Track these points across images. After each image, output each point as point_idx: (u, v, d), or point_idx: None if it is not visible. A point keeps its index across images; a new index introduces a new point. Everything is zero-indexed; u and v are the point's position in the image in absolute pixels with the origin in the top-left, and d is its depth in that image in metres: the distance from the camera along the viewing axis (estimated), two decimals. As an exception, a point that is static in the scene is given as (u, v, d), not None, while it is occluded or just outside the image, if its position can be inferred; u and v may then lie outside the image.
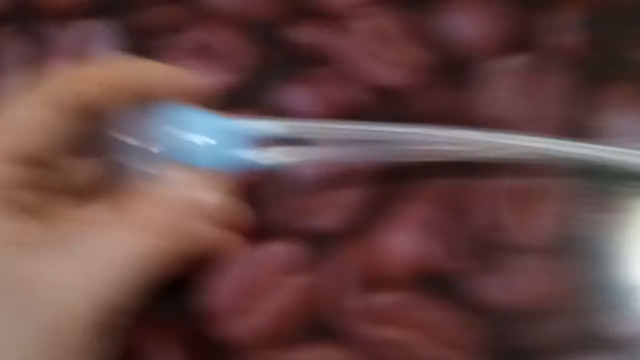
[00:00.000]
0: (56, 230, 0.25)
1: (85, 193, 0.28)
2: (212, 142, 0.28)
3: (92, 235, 0.25)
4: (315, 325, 0.31)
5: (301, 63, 0.37)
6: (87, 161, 0.29)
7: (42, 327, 0.22)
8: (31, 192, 0.26)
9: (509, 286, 0.31)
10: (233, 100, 0.36)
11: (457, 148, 0.31)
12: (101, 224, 0.25)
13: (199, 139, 0.28)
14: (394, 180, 0.34)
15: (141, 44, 0.38)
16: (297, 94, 0.36)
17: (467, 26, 0.37)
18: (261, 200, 0.33)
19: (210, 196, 0.27)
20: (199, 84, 0.30)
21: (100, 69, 0.28)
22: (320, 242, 0.33)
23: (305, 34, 0.38)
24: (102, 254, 0.24)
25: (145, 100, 0.28)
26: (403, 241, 0.33)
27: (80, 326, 0.23)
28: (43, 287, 0.23)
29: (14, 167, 0.25)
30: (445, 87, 0.36)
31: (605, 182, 0.32)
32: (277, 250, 0.33)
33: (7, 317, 0.22)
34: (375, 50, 0.37)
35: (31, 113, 0.26)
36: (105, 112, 0.27)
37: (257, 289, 0.32)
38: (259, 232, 0.33)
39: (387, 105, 0.36)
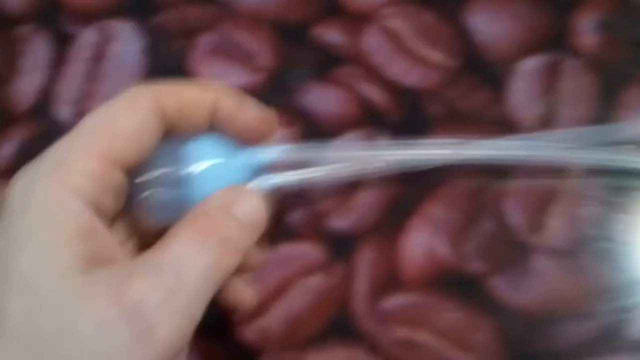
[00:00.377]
0: (136, 245, 0.26)
1: None
2: (219, 169, 0.28)
3: (176, 250, 0.23)
4: (332, 326, 0.32)
5: (324, 63, 0.38)
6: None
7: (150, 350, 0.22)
8: (116, 200, 0.25)
9: (525, 288, 0.32)
10: (258, 100, 0.37)
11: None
12: (181, 239, 0.24)
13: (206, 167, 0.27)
14: (410, 183, 0.34)
15: (165, 43, 0.38)
16: (320, 94, 0.37)
17: (488, 28, 0.38)
18: (279, 202, 0.33)
19: (258, 215, 0.27)
20: (263, 120, 0.29)
21: (186, 87, 0.27)
22: (337, 244, 0.34)
23: (329, 35, 0.38)
24: (187, 270, 0.23)
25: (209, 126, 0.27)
26: (419, 243, 0.33)
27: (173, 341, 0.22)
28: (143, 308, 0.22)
29: (111, 172, 0.24)
30: (465, 87, 0.36)
31: (620, 182, 0.33)
32: (295, 252, 0.34)
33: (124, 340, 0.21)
34: (397, 50, 0.38)
35: (132, 121, 0.25)
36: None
37: (274, 290, 0.33)
38: (277, 233, 0.34)
39: (407, 105, 0.36)
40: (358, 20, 0.39)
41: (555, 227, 0.32)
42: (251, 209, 0.26)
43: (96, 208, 0.23)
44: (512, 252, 0.32)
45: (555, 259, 0.32)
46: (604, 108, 0.35)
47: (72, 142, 0.24)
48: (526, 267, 0.32)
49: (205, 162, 0.27)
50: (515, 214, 0.33)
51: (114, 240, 0.24)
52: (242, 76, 0.38)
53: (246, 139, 0.28)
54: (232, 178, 0.27)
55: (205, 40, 0.39)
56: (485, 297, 0.31)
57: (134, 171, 0.25)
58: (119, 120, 0.25)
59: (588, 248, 0.32)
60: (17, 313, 0.21)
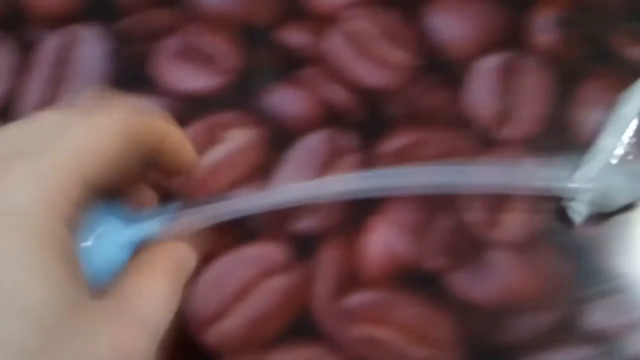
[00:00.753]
0: None
1: None
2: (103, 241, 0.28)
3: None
4: (294, 325, 0.33)
5: (288, 65, 0.38)
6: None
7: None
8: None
9: (482, 282, 0.32)
10: (221, 103, 0.37)
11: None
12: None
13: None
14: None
15: (130, 47, 0.39)
16: (284, 96, 0.37)
17: (447, 28, 0.38)
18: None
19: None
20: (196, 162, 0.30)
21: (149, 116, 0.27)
22: (299, 244, 0.34)
23: (292, 36, 0.39)
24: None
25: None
26: (380, 241, 0.34)
27: None
28: None
29: (83, 191, 0.23)
30: (427, 86, 0.37)
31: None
32: (257, 253, 0.34)
33: None
34: (359, 51, 0.38)
35: (106, 141, 0.24)
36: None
37: (236, 292, 0.33)
38: (239, 235, 0.34)
39: (369, 105, 0.36)
40: (321, 22, 0.39)
41: (511, 222, 0.33)
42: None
43: (71, 228, 0.23)
44: (470, 248, 0.33)
45: (511, 253, 0.33)
46: (561, 104, 0.36)
47: (49, 162, 0.23)
48: (483, 262, 0.33)
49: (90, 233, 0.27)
50: (472, 211, 0.33)
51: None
52: (205, 79, 0.38)
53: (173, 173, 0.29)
54: (115, 250, 0.27)
55: (168, 44, 0.39)
56: (444, 293, 0.32)
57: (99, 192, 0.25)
58: (88, 138, 0.24)
59: (543, 242, 0.32)
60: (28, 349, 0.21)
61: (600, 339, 0.31)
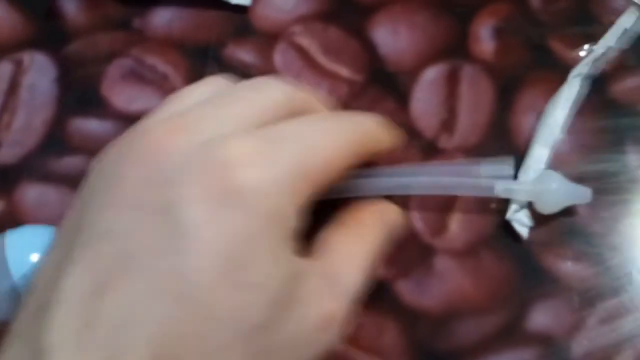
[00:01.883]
0: None
1: None
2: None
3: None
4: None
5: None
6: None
7: None
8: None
9: (428, 289, 0.33)
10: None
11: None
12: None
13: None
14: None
15: (80, 71, 0.39)
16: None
17: (390, 40, 0.39)
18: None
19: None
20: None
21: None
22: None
23: (240, 54, 0.40)
24: None
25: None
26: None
27: None
28: None
29: (308, 195, 0.24)
30: (373, 99, 0.38)
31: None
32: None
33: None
34: (306, 66, 0.39)
35: (342, 152, 0.25)
36: None
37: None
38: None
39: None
40: (268, 39, 0.40)
41: (456, 229, 0.34)
42: None
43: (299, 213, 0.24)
44: (416, 255, 0.33)
45: (457, 259, 0.33)
46: (502, 111, 0.36)
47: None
48: (429, 269, 0.33)
49: (28, 255, 0.27)
50: (418, 218, 0.34)
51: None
52: (155, 99, 0.38)
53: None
54: None
55: (117, 66, 0.39)
56: (391, 301, 0.33)
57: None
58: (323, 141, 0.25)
59: (487, 246, 0.33)
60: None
61: (544, 340, 0.32)
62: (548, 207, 0.32)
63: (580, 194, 0.32)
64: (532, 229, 0.33)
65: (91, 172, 0.24)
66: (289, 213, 0.23)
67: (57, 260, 0.22)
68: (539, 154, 0.34)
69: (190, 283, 0.20)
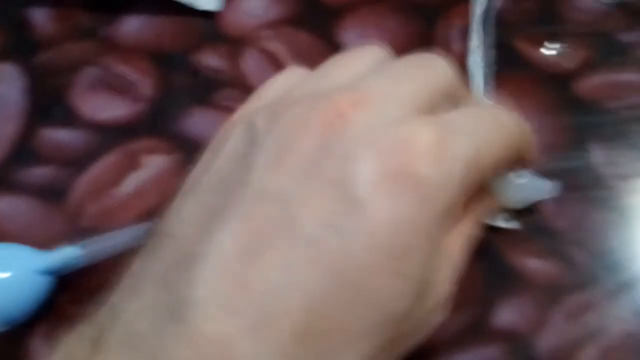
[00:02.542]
0: None
1: None
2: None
3: None
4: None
5: (205, 88, 0.39)
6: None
7: None
8: None
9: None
10: (140, 130, 0.38)
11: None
12: None
13: None
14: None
15: (48, 81, 0.40)
16: (201, 118, 0.38)
17: (357, 43, 0.39)
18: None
19: None
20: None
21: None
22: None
23: (209, 60, 0.40)
24: None
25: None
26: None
27: None
28: None
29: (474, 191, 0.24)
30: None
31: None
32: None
33: None
34: (275, 71, 0.39)
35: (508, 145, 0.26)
36: None
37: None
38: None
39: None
40: (236, 44, 0.40)
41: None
42: None
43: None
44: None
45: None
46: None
47: None
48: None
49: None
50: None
51: None
52: (124, 107, 0.39)
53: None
54: (27, 287, 0.29)
55: (86, 75, 0.40)
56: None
57: None
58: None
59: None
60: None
61: (510, 337, 0.32)
62: (515, 201, 0.32)
63: (547, 188, 0.32)
64: (497, 227, 0.33)
65: (248, 125, 0.24)
66: (457, 207, 0.23)
67: (205, 208, 0.22)
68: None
69: (354, 262, 0.20)
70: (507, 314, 0.32)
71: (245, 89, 0.38)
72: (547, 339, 0.32)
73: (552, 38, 0.38)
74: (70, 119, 0.39)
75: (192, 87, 0.39)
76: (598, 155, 0.35)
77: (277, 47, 0.40)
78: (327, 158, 0.21)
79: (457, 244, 0.26)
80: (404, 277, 0.21)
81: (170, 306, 0.19)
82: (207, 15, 0.40)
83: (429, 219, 0.21)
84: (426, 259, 0.22)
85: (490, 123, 0.25)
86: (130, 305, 0.20)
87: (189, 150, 0.37)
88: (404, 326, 0.22)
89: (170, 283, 0.20)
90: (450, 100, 0.25)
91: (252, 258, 0.20)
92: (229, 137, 0.24)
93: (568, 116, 0.36)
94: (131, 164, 0.37)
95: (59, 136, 0.38)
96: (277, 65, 0.39)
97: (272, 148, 0.22)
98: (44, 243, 0.32)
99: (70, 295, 0.33)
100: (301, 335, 0.19)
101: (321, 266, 0.20)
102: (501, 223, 0.33)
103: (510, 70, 0.37)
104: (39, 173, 0.37)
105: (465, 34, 0.39)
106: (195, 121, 0.38)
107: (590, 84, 0.37)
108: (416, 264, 0.21)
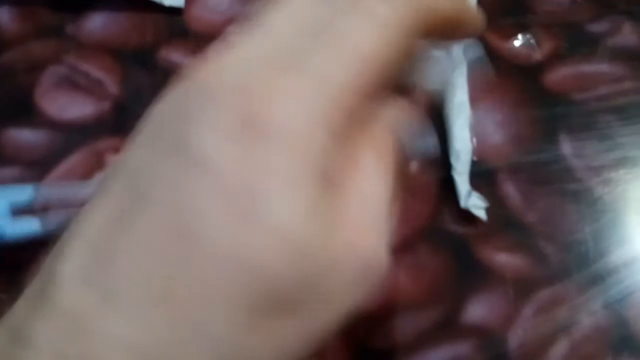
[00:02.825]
0: None
1: None
2: None
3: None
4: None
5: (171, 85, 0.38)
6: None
7: None
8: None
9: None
10: (107, 128, 0.38)
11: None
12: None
13: None
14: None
15: (13, 80, 0.39)
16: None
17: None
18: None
19: None
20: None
21: None
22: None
23: (175, 57, 0.39)
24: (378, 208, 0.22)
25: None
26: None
27: None
28: None
29: (357, 103, 0.20)
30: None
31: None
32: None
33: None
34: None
35: (386, 42, 0.20)
36: None
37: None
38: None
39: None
40: (204, 40, 0.39)
41: (392, 224, 0.34)
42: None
43: (340, 145, 0.20)
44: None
45: (393, 255, 0.33)
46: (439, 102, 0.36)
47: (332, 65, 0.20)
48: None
49: None
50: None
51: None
52: (89, 105, 0.38)
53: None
54: None
55: (50, 73, 0.39)
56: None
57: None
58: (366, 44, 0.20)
59: (422, 242, 0.33)
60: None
61: (481, 332, 0.32)
62: (433, 80, 0.26)
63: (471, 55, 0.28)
64: (466, 222, 0.33)
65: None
66: (327, 148, 0.20)
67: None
68: (462, 136, 0.34)
69: (194, 215, 0.19)
70: (478, 310, 0.32)
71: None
72: (518, 334, 0.32)
73: (521, 30, 0.38)
74: (34, 118, 0.38)
75: (157, 84, 0.38)
76: (568, 147, 0.35)
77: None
78: (168, 122, 0.20)
79: (370, 176, 0.22)
80: (266, 229, 0.19)
81: (41, 286, 0.19)
82: (172, 11, 0.40)
83: (281, 161, 0.19)
84: (296, 207, 0.19)
85: (349, 28, 0.20)
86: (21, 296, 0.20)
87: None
88: (291, 292, 0.19)
89: (48, 266, 0.20)
90: None
91: (113, 231, 0.19)
92: None
93: (537, 108, 0.36)
94: (97, 163, 0.36)
95: (23, 136, 0.38)
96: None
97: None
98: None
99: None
100: (159, 300, 0.19)
101: (169, 230, 0.19)
102: (472, 208, 0.33)
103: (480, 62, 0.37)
104: (5, 173, 0.37)
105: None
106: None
107: (560, 75, 0.37)
108: (281, 214, 0.19)
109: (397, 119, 0.24)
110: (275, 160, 0.19)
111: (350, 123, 0.20)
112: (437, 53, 0.24)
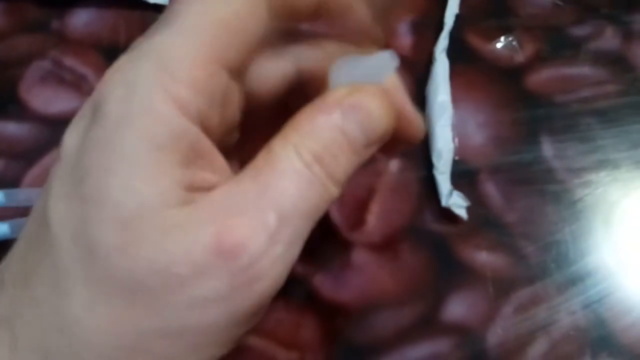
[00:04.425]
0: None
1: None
2: None
3: (278, 186, 0.20)
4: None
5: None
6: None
7: None
8: (224, 111, 0.20)
9: (346, 283, 0.33)
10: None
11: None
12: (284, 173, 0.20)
13: None
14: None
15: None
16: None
17: (305, 29, 0.39)
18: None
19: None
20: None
21: None
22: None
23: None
24: (289, 213, 0.20)
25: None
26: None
27: None
28: None
29: (216, 78, 0.19)
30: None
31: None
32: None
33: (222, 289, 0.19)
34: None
35: (247, 10, 0.20)
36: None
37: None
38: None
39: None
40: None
41: (373, 223, 0.34)
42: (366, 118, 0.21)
43: (203, 125, 0.19)
44: (335, 250, 0.33)
45: (374, 252, 0.33)
46: (419, 104, 0.37)
47: (171, 40, 0.19)
48: (347, 263, 0.33)
49: None
50: (336, 213, 0.34)
51: (219, 160, 0.20)
52: (74, 100, 0.38)
53: (350, 39, 0.24)
54: None
55: (35, 68, 0.39)
56: (309, 296, 0.33)
57: (240, 73, 0.21)
58: (217, 11, 0.19)
59: (403, 239, 0.33)
60: (113, 248, 0.18)
61: (460, 330, 0.32)
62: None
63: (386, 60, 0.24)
64: (447, 221, 0.33)
65: None
66: (185, 129, 0.19)
67: None
68: (444, 136, 0.34)
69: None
70: (457, 308, 0.32)
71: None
72: (497, 333, 0.32)
73: (504, 32, 0.38)
74: (19, 112, 0.38)
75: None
76: (549, 149, 0.35)
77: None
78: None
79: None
80: (95, 202, 0.19)
81: None
82: (157, 7, 0.40)
83: (143, 147, 0.19)
84: (130, 194, 0.19)
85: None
86: None
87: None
88: (128, 269, 0.18)
89: None
90: None
91: (26, 279, 0.20)
92: None
93: (519, 110, 0.36)
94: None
95: (7, 130, 0.38)
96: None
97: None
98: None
99: None
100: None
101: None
102: (453, 207, 0.33)
103: (462, 64, 0.37)
104: (-12, 168, 0.37)
105: (414, 28, 0.39)
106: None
107: (541, 77, 0.37)
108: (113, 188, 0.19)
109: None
110: (130, 147, 0.18)
111: (211, 105, 0.20)
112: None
